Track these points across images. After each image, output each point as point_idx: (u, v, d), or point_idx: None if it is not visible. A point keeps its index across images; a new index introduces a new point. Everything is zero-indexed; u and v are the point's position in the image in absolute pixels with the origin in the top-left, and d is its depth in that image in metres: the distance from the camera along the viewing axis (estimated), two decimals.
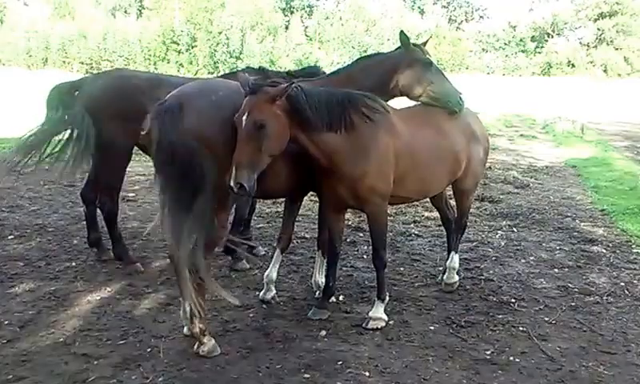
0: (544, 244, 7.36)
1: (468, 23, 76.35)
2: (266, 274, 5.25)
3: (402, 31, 5.29)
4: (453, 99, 5.16)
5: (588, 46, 66.05)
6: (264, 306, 5.18)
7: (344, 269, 6.13)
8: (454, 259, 5.67)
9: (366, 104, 4.48)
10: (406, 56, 5.17)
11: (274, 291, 5.27)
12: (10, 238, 6.82)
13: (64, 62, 53.93)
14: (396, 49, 5.41)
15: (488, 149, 5.62)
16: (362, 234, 7.40)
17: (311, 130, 4.18)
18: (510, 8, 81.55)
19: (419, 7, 72.56)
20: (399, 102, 5.25)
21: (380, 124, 4.53)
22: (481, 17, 78.04)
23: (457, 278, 5.69)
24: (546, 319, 5.10)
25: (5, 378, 3.83)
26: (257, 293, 5.36)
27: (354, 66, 5.34)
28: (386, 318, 4.87)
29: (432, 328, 4.86)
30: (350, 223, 7.74)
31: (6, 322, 4.65)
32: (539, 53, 65.76)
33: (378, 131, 4.51)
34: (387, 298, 4.97)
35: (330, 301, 5.13)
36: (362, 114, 4.42)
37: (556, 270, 6.39)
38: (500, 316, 5.13)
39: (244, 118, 3.82)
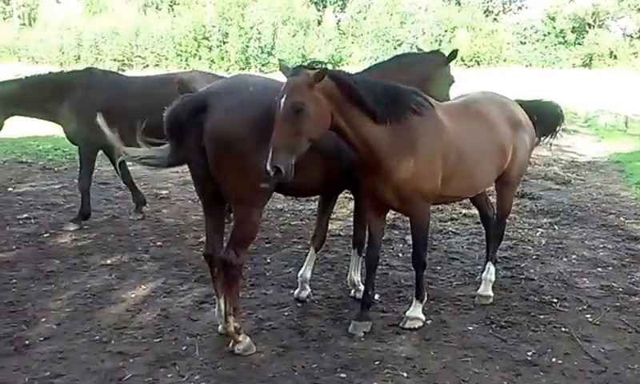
0: (587, 242, 7.14)
1: (505, 14, 74.99)
2: (300, 272, 5.21)
3: (432, 51, 5.85)
4: None
5: (631, 36, 64.32)
6: (299, 304, 5.14)
7: (379, 267, 6.02)
8: (491, 270, 5.39)
9: (414, 98, 4.30)
10: (437, 70, 5.46)
11: (309, 290, 5.22)
12: (45, 235, 6.93)
13: (96, 58, 54.99)
14: (430, 52, 5.72)
15: (534, 137, 5.37)
16: (397, 232, 7.29)
17: (355, 118, 4.00)
18: None
19: None
20: None
21: (426, 119, 4.33)
22: (519, 7, 76.50)
23: (491, 293, 5.35)
24: (590, 320, 4.95)
25: (42, 375, 3.88)
26: (291, 291, 5.33)
27: (389, 63, 5.47)
28: (423, 317, 4.76)
29: (471, 328, 4.75)
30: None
31: (43, 320, 4.71)
32: (580, 44, 64.27)
33: (424, 127, 4.31)
34: (426, 298, 4.87)
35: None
36: (411, 108, 4.23)
37: (599, 269, 6.19)
38: (541, 316, 4.99)
39: (282, 100, 3.72)
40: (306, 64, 4.03)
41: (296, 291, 5.23)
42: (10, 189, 9.22)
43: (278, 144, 3.65)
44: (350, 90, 3.95)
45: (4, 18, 64.98)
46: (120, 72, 8.46)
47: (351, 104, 3.97)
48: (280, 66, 4.08)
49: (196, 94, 4.18)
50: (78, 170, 7.36)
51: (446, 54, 5.64)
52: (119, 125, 6.98)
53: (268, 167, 3.63)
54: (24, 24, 64.40)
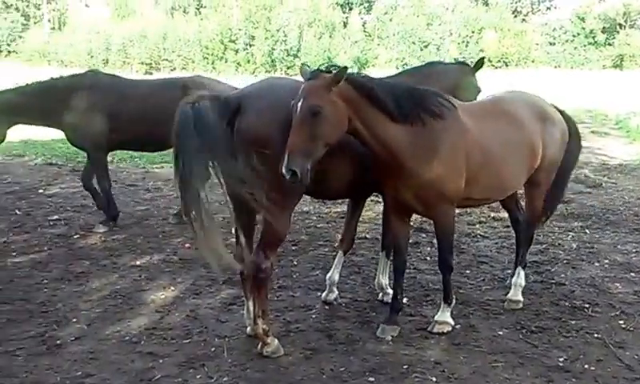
0: (619, 246, 7.00)
1: (534, 15, 73.96)
2: (328, 275, 5.21)
3: (460, 61, 6.18)
4: None
5: None
6: (326, 307, 5.13)
7: (407, 271, 5.98)
8: (521, 275, 5.29)
9: (436, 99, 4.24)
10: (465, 80, 5.54)
11: (337, 292, 5.21)
12: (75, 237, 7.05)
13: (124, 62, 55.69)
14: (456, 62, 5.92)
15: (566, 133, 5.17)
16: (424, 235, 7.23)
17: (374, 121, 3.96)
18: None
19: None
20: None
21: (448, 120, 4.26)
22: (548, 8, 75.37)
23: (521, 298, 5.26)
24: (623, 326, 4.85)
25: (74, 375, 3.94)
26: (319, 294, 5.32)
27: (419, 69, 5.63)
28: (452, 322, 4.71)
29: (501, 333, 4.69)
30: (411, 223, 7.57)
31: (74, 320, 4.79)
32: (610, 45, 63.05)
33: (446, 128, 4.23)
34: (454, 301, 4.81)
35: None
36: (432, 110, 4.17)
37: (632, 274, 6.06)
38: (573, 322, 4.90)
39: (299, 104, 3.70)
40: (323, 68, 4.01)
41: (323, 294, 5.23)
42: (40, 190, 9.41)
43: (294, 147, 3.64)
44: (369, 93, 3.92)
45: (35, 23, 66.36)
46: (118, 75, 8.41)
47: (371, 107, 3.94)
48: (301, 70, 4.08)
49: (231, 95, 4.19)
50: (95, 174, 7.43)
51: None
52: (122, 127, 7.11)
53: (283, 170, 3.63)
54: (54, 28, 65.70)
